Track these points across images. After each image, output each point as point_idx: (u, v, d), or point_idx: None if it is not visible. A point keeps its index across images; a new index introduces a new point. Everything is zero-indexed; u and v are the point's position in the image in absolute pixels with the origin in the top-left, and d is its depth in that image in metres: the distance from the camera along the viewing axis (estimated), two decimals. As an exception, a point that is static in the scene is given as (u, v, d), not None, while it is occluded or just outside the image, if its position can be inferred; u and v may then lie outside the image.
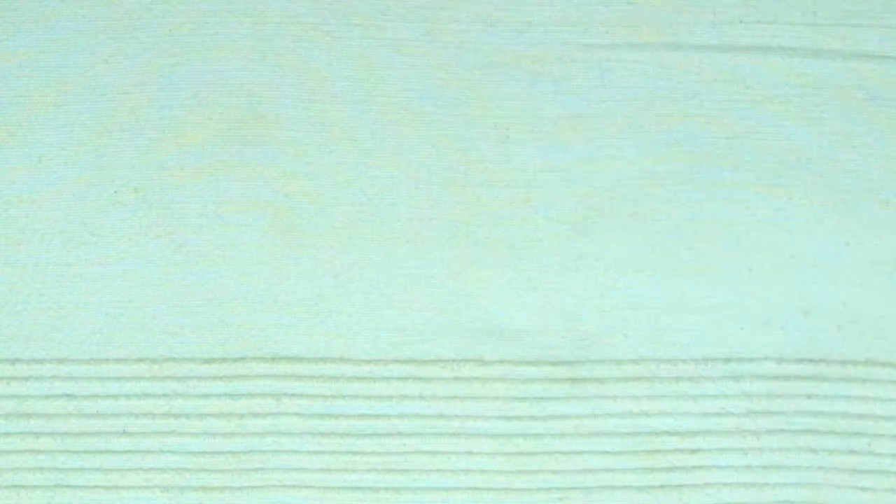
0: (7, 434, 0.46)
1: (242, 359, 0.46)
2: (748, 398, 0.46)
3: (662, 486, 0.46)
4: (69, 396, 0.46)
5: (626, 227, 0.47)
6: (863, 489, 0.46)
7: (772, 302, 0.47)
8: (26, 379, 0.46)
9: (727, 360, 0.47)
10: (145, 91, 0.47)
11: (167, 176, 0.47)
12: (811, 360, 0.47)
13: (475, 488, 0.46)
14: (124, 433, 0.46)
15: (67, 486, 0.46)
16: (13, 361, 0.46)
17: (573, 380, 0.46)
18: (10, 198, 0.47)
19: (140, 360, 0.46)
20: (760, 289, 0.47)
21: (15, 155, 0.47)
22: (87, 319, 0.46)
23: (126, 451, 0.46)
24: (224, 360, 0.46)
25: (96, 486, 0.46)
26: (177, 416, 0.46)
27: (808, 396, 0.46)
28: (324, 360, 0.46)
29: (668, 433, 0.46)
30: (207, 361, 0.46)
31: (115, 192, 0.47)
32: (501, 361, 0.47)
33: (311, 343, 0.47)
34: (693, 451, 0.46)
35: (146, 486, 0.46)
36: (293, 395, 0.46)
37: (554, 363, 0.46)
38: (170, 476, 0.46)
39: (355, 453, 0.46)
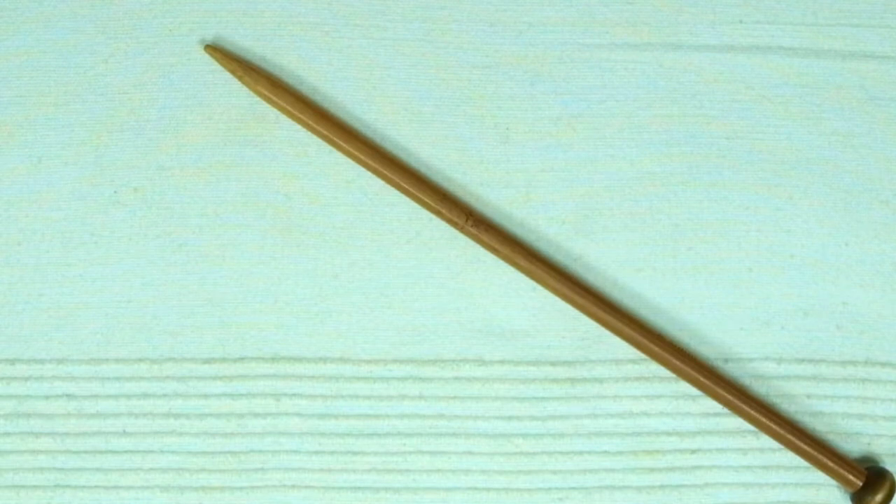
0: (7, 434, 0.46)
1: (242, 359, 0.46)
2: (748, 398, 0.46)
3: (662, 486, 0.46)
4: (69, 396, 0.46)
5: (626, 227, 0.47)
6: (863, 489, 0.46)
7: (772, 302, 0.47)
8: (26, 379, 0.46)
9: (727, 360, 0.47)
10: (145, 91, 0.47)
11: (167, 176, 0.47)
12: (811, 360, 0.47)
13: (475, 488, 0.46)
14: (124, 433, 0.46)
15: (67, 486, 0.46)
16: (13, 361, 0.46)
17: (573, 380, 0.46)
18: (10, 198, 0.47)
19: (140, 360, 0.46)
20: (760, 289, 0.47)
21: (15, 155, 0.47)
22: (87, 319, 0.46)
23: (126, 451, 0.46)
24: (224, 360, 0.46)
25: (96, 486, 0.46)
26: (177, 416, 0.46)
27: (808, 396, 0.46)
28: (324, 360, 0.46)
29: (668, 433, 0.46)
30: (207, 361, 0.46)
31: (115, 192, 0.47)
32: (501, 361, 0.47)
33: (311, 343, 0.47)
34: (693, 451, 0.46)
35: (146, 486, 0.46)
36: (293, 395, 0.46)
37: (554, 363, 0.46)
38: (170, 476, 0.46)
39: (355, 453, 0.46)
